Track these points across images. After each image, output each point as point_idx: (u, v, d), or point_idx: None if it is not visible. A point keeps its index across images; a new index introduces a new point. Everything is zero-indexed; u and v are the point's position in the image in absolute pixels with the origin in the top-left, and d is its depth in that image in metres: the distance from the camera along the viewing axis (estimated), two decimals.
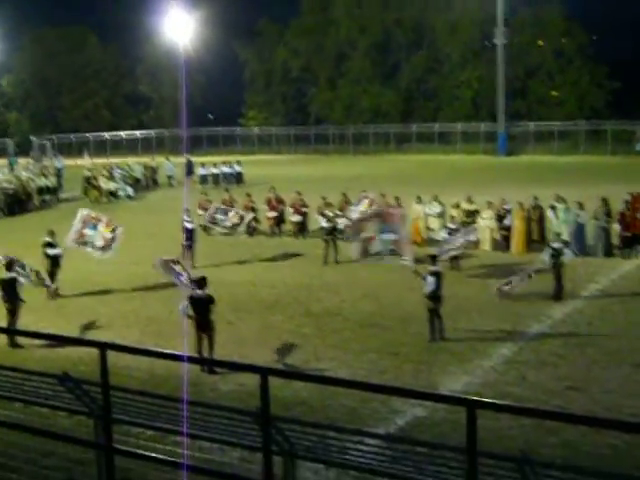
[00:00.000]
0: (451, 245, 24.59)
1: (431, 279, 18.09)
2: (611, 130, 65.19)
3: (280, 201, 32.46)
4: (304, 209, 31.47)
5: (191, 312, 16.74)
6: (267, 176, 49.37)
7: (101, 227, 24.74)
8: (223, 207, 31.52)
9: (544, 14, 75.43)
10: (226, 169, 50.19)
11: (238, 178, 49.83)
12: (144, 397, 9.15)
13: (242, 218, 31.00)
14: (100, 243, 24.54)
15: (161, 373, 15.10)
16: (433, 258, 18.79)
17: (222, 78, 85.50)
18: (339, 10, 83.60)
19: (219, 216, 30.96)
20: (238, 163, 51.10)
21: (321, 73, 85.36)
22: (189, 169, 52.37)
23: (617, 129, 65.16)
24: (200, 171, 50.16)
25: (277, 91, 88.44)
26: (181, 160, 54.03)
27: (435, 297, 18.10)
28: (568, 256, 21.62)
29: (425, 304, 18.23)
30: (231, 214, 30.90)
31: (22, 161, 57.37)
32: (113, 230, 25.12)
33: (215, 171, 50.00)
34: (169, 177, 51.50)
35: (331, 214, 27.75)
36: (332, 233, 27.24)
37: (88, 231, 24.54)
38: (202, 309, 16.65)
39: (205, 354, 16.39)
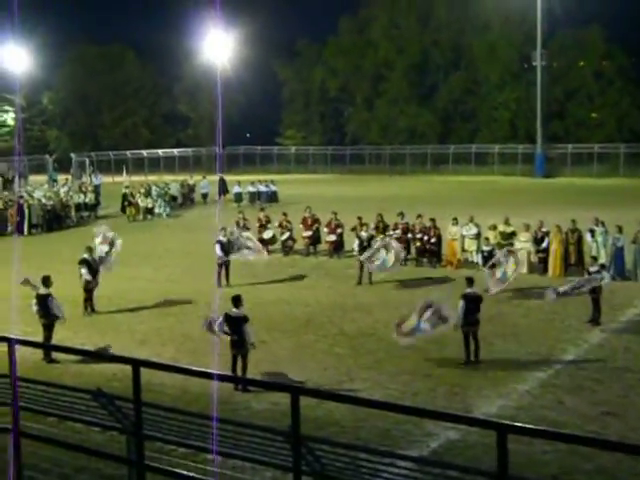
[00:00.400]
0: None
1: (463, 303, 17.97)
2: None
3: (315, 221, 32.52)
4: (339, 229, 31.49)
5: (227, 330, 16.82)
6: (303, 195, 49.50)
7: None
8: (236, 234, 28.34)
9: (584, 36, 75.17)
10: (262, 187, 50.45)
11: (273, 197, 50.02)
12: (176, 414, 9.18)
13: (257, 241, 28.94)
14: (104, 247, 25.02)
15: (195, 390, 15.15)
16: (470, 281, 18.67)
17: (260, 97, 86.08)
18: (376, 31, 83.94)
19: (236, 243, 27.54)
20: (272, 182, 51.32)
21: (358, 93, 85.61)
22: (222, 188, 52.62)
23: None
24: (235, 189, 50.36)
25: (315, 110, 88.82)
26: (217, 179, 54.34)
27: (471, 320, 17.96)
28: (606, 280, 21.40)
29: (461, 326, 18.11)
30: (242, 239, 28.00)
31: (61, 178, 58.01)
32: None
33: (252, 189, 50.24)
34: (203, 195, 51.78)
35: (365, 235, 27.75)
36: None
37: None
38: (237, 328, 16.72)
39: (239, 373, 16.44)
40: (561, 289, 20.56)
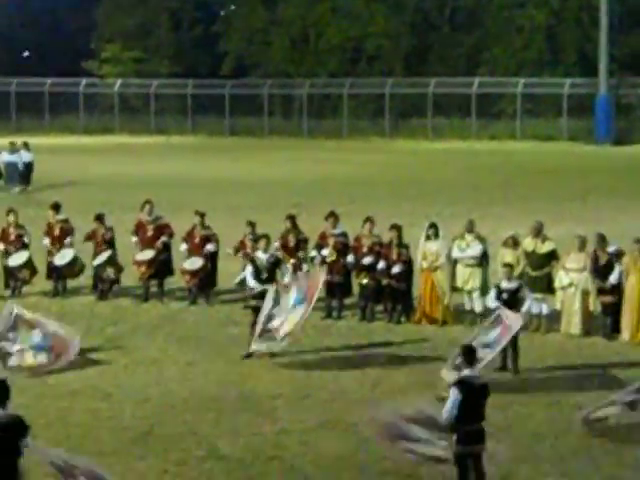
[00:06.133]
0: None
1: (456, 397, 17.73)
2: None
3: (162, 229, 32.29)
4: (210, 245, 31.39)
5: None
6: (134, 177, 49.46)
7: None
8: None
9: None
10: (6, 156, 51.37)
11: (24, 173, 51.10)
12: None
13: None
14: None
15: None
16: (469, 353, 18.56)
17: None
18: None
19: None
20: (26, 146, 52.20)
21: None
22: None
23: None
24: None
25: (160, 8, 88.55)
26: None
27: (472, 433, 17.83)
28: None
29: (452, 448, 18.04)
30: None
31: None
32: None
33: None
34: None
35: (263, 257, 27.61)
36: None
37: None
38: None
39: None
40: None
